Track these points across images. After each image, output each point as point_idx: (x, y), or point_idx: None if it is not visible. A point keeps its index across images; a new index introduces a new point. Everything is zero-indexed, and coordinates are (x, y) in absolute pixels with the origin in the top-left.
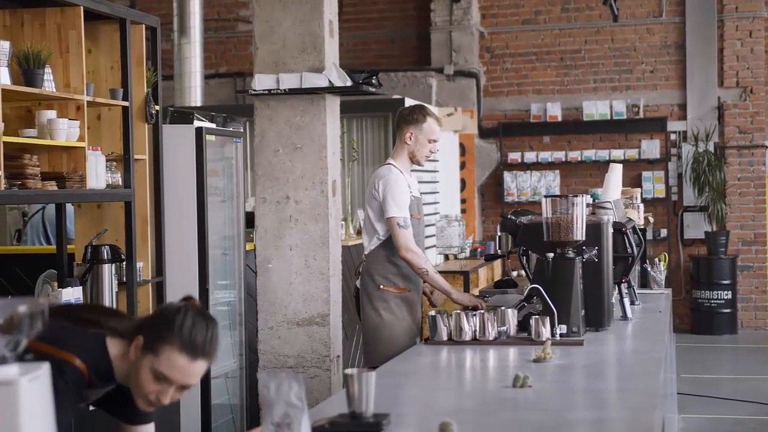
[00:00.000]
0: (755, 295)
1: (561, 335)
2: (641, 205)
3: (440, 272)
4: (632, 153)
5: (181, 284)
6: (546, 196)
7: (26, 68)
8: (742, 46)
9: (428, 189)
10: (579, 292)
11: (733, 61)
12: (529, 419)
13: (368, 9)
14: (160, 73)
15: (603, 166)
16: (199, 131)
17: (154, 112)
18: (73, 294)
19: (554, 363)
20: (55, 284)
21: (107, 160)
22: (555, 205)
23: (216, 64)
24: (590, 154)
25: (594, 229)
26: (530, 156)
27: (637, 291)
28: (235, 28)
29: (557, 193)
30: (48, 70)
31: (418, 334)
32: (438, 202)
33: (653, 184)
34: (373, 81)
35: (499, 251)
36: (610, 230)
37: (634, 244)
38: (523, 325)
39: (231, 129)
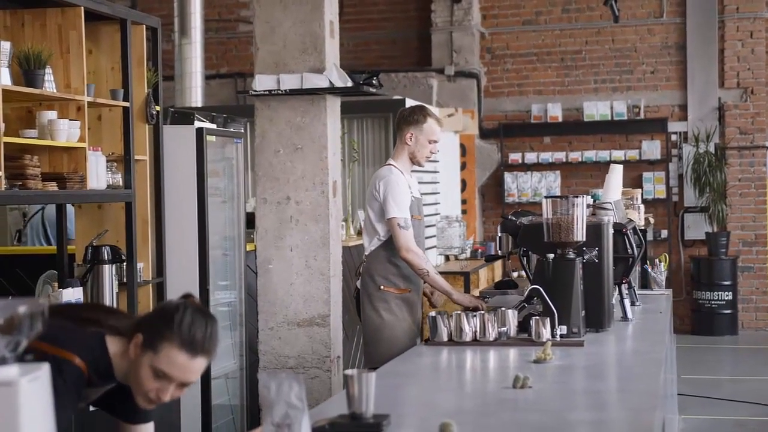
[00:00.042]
0: (756, 296)
1: (561, 336)
2: (642, 206)
3: (441, 273)
4: (633, 154)
5: (181, 285)
6: (546, 197)
7: (27, 69)
8: (742, 46)
9: (429, 189)
10: (579, 292)
11: (734, 62)
12: (529, 420)
13: (369, 10)
14: (161, 73)
15: (603, 166)
16: (199, 132)
17: (154, 112)
18: (73, 294)
19: (554, 364)
20: (56, 285)
21: (108, 161)
22: (555, 206)
23: (217, 65)
24: (591, 154)
25: (594, 230)
26: (531, 157)
27: (637, 292)
28: (236, 29)
29: (558, 193)
30: (49, 70)
31: (418, 334)
32: (438, 203)
33: (654, 185)
34: (374, 81)
35: (499, 252)
36: (611, 231)
37: (634, 245)
38: (523, 325)
39: (231, 129)
